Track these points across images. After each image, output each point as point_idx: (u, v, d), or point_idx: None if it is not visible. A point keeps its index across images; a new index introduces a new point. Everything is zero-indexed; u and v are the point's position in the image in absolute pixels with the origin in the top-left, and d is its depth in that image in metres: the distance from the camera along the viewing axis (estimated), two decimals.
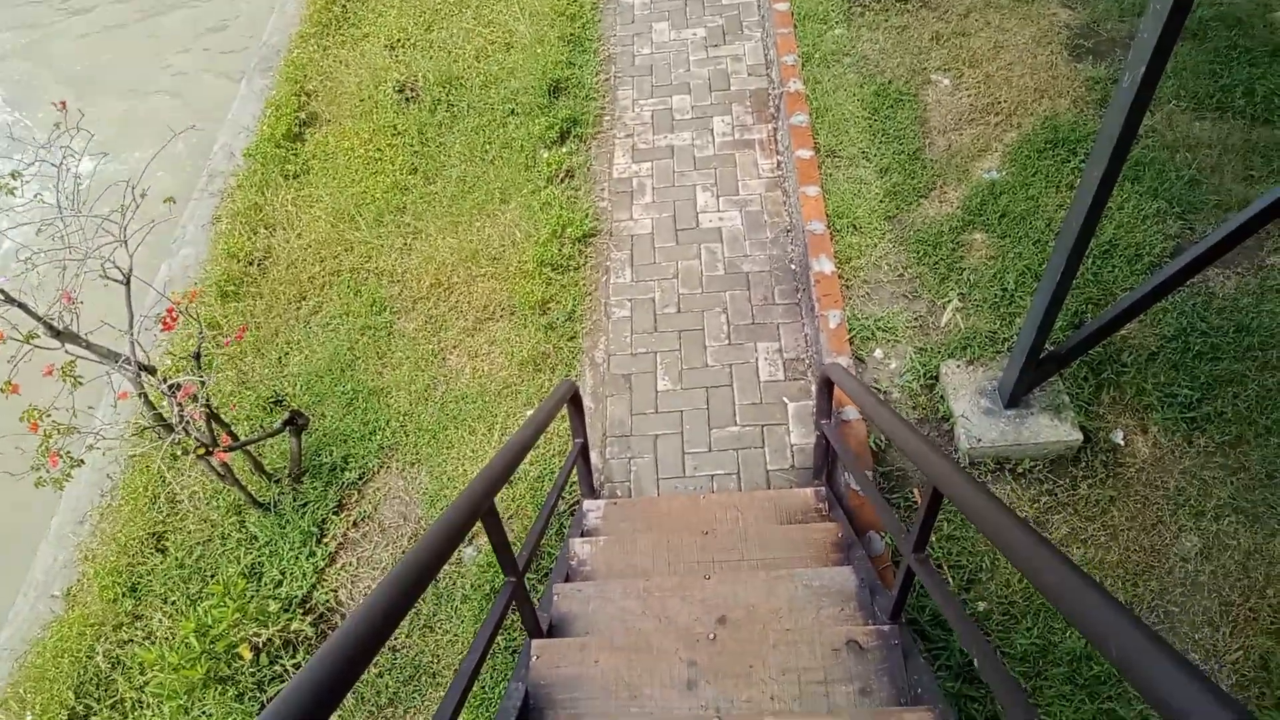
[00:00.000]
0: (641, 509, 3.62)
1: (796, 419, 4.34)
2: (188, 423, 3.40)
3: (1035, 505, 3.75)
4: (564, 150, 5.88)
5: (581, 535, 3.49)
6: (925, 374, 4.15)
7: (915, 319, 4.43)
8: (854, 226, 4.85)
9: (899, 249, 4.75)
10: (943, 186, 5.01)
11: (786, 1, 6.33)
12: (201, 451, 3.60)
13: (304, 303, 5.46)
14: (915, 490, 3.84)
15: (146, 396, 3.61)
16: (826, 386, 3.57)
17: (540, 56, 6.45)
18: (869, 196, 4.99)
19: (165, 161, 7.35)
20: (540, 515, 3.04)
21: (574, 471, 3.91)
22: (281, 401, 4.09)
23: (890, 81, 5.61)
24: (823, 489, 3.64)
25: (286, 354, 5.19)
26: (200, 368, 3.69)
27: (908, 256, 4.69)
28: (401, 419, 4.69)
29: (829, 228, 4.80)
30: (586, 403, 4.58)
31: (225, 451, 3.68)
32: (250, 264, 5.71)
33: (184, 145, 7.43)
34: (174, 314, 3.46)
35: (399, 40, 7.06)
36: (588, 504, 3.68)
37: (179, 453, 3.97)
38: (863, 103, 5.50)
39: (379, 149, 6.18)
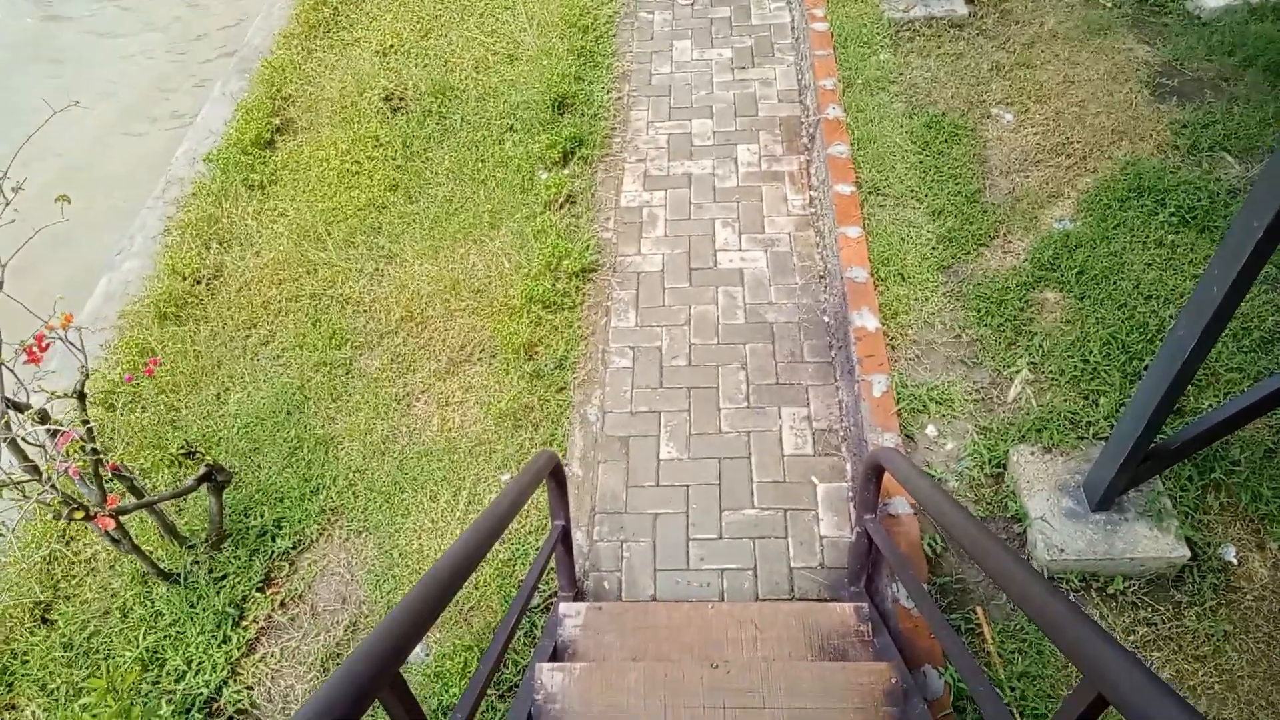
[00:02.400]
0: (632, 619, 2.88)
1: (828, 505, 3.62)
2: (54, 482, 2.68)
3: (1131, 637, 3.00)
4: (566, 172, 5.23)
5: (554, 652, 2.75)
6: (990, 460, 3.43)
7: (976, 390, 3.72)
8: (901, 276, 4.17)
9: (955, 305, 4.05)
10: (1006, 235, 4.34)
11: (825, 22, 5.72)
12: (80, 516, 2.87)
13: (254, 330, 4.75)
14: (979, 609, 3.10)
15: (17, 443, 2.89)
16: (875, 474, 2.86)
17: (546, 69, 5.83)
18: (919, 242, 4.31)
19: (125, 165, 6.73)
20: (502, 627, 2.32)
21: (552, 558, 3.18)
22: (194, 454, 3.38)
23: (944, 113, 4.97)
24: (864, 606, 2.90)
25: (227, 390, 4.47)
26: (85, 409, 2.98)
27: (966, 315, 3.99)
28: (351, 476, 3.97)
29: (872, 276, 4.11)
30: (574, 470, 3.86)
31: (112, 516, 2.95)
32: (197, 283, 5.02)
33: (146, 149, 6.81)
34: (43, 342, 2.75)
35: (391, 46, 6.45)
36: (564, 608, 2.94)
37: (50, 517, 3.24)
38: (912, 135, 4.85)
39: (357, 161, 5.53)
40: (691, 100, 5.77)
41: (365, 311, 4.70)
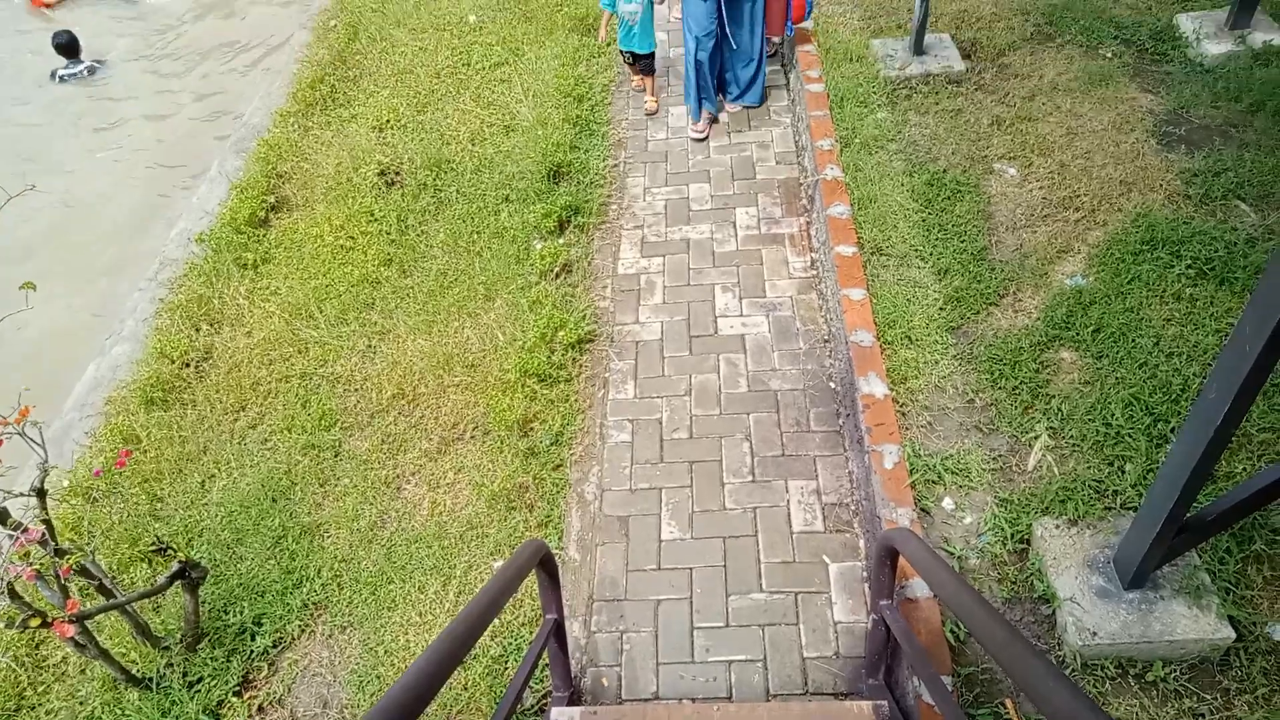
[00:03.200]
0: None
1: (841, 586, 3.39)
2: (2, 588, 2.50)
3: None
4: (562, 241, 5.12)
5: None
6: (1013, 535, 3.21)
7: (994, 459, 3.51)
8: (908, 338, 4.00)
9: (966, 368, 3.87)
10: (1016, 293, 4.17)
11: (820, 83, 5.66)
12: (36, 623, 2.68)
13: (242, 414, 4.61)
14: (1009, 701, 2.84)
15: None
16: (889, 557, 2.64)
17: (541, 139, 5.78)
18: (925, 303, 4.15)
19: (115, 248, 6.68)
20: None
21: (544, 654, 2.96)
22: (165, 550, 3.21)
23: (945, 170, 4.85)
24: (884, 705, 2.66)
25: (212, 477, 4.31)
26: (44, 507, 2.82)
27: (979, 378, 3.81)
28: (336, 567, 3.77)
29: (878, 339, 3.94)
30: (570, 554, 3.65)
31: (73, 621, 2.76)
32: (186, 365, 4.90)
33: (138, 234, 6.78)
34: None
35: (388, 122, 6.44)
36: (556, 714, 2.71)
37: (2, 626, 3.05)
38: (913, 193, 4.73)
39: (351, 237, 5.45)
40: (688, 165, 5.69)
41: (356, 390, 4.55)
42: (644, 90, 6.30)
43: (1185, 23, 5.71)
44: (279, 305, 5.09)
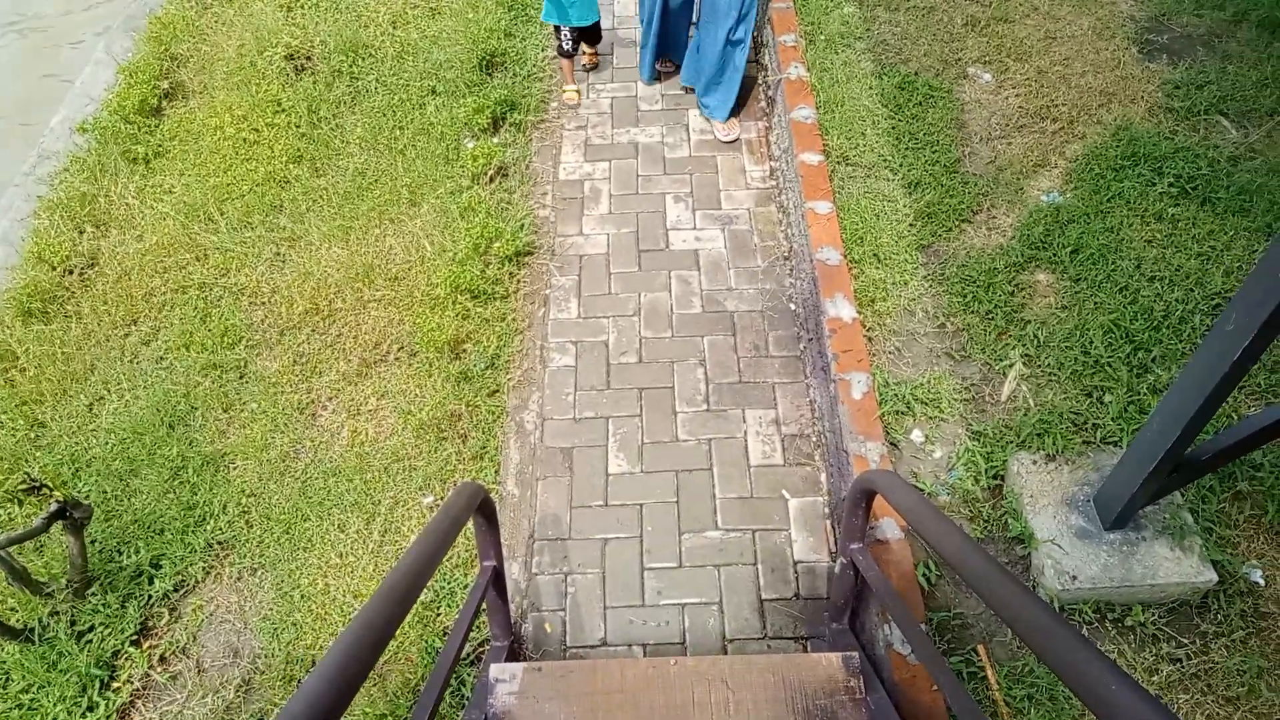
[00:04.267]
0: (579, 682, 2.42)
1: (801, 523, 3.19)
2: None
3: (1154, 678, 2.64)
4: (496, 141, 4.68)
5: None
6: (987, 471, 3.03)
7: (966, 388, 3.31)
8: (876, 257, 3.74)
9: (938, 289, 3.64)
10: (990, 209, 3.94)
11: None
12: None
13: (134, 328, 4.15)
14: (980, 648, 2.70)
15: None
16: (865, 499, 2.43)
17: (472, 23, 5.25)
18: (895, 218, 3.89)
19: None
20: (426, 693, 1.89)
21: (482, 604, 2.69)
22: (39, 488, 2.82)
23: (916, 73, 4.53)
24: (854, 656, 2.48)
25: (101, 399, 3.88)
26: None
27: (950, 300, 3.58)
28: (244, 502, 3.43)
29: (845, 257, 3.67)
30: (508, 489, 3.37)
31: None
32: (69, 273, 4.39)
33: (12, 120, 6.06)
34: None
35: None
36: (496, 670, 2.46)
37: None
38: (883, 97, 4.41)
39: (255, 129, 4.91)
40: (634, 60, 5.25)
41: (263, 304, 4.12)
42: (588, 68, 5.22)
43: None
44: (174, 206, 4.57)
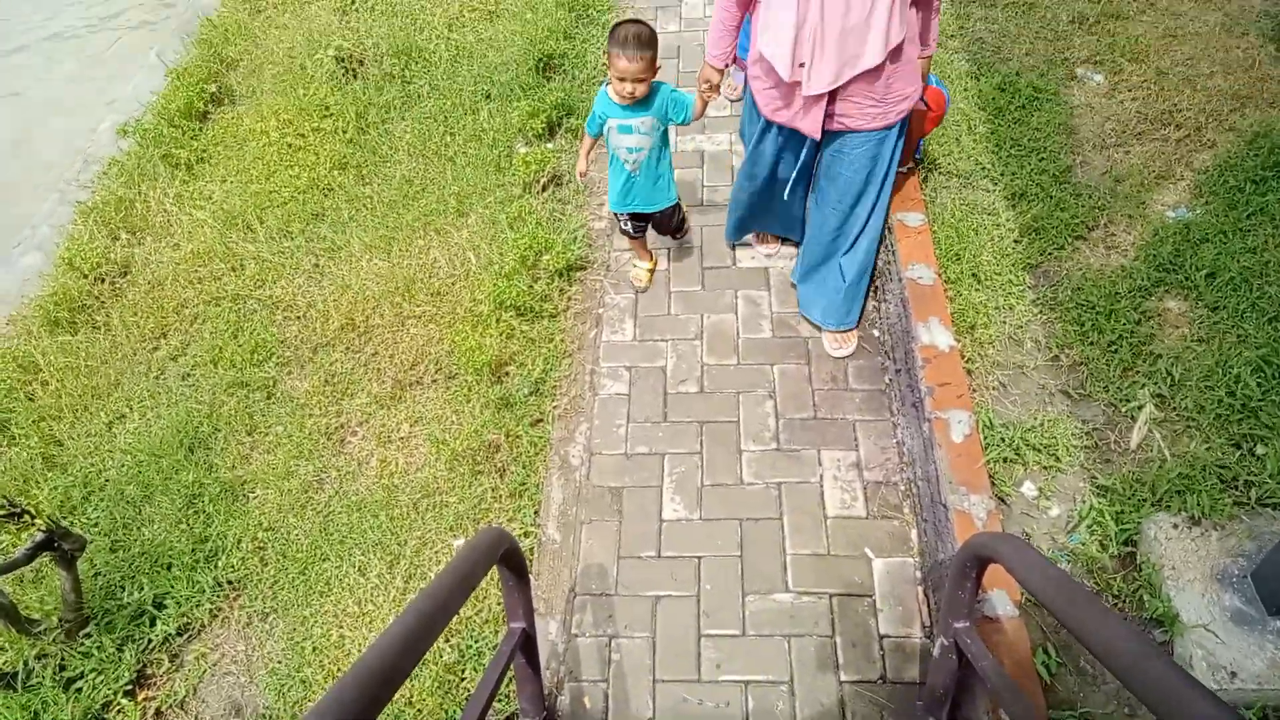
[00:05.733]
0: None
1: (889, 588, 2.71)
2: None
3: None
4: (551, 147, 4.31)
5: None
6: (1119, 534, 2.52)
7: (1087, 433, 2.81)
8: (975, 276, 3.26)
9: (1049, 316, 3.14)
10: (1108, 225, 3.42)
11: None
12: None
13: (163, 341, 3.88)
14: None
15: None
16: (977, 570, 1.95)
17: (530, 24, 4.92)
18: (997, 233, 3.40)
19: (41, 143, 5.82)
20: None
21: (509, 668, 2.28)
22: (20, 514, 2.49)
23: (1018, 74, 4.04)
24: None
25: (122, 417, 3.61)
26: None
27: (1065, 329, 3.08)
28: (261, 537, 3.08)
29: (940, 276, 3.20)
30: (549, 532, 2.96)
31: None
32: (100, 281, 4.15)
33: (65, 123, 5.92)
34: None
35: (353, 2, 5.55)
36: None
37: None
38: (980, 99, 3.93)
39: (301, 134, 4.63)
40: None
41: (299, 318, 3.81)
42: (643, 259, 3.70)
43: None
44: (212, 213, 4.31)
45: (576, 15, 5.09)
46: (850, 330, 3.35)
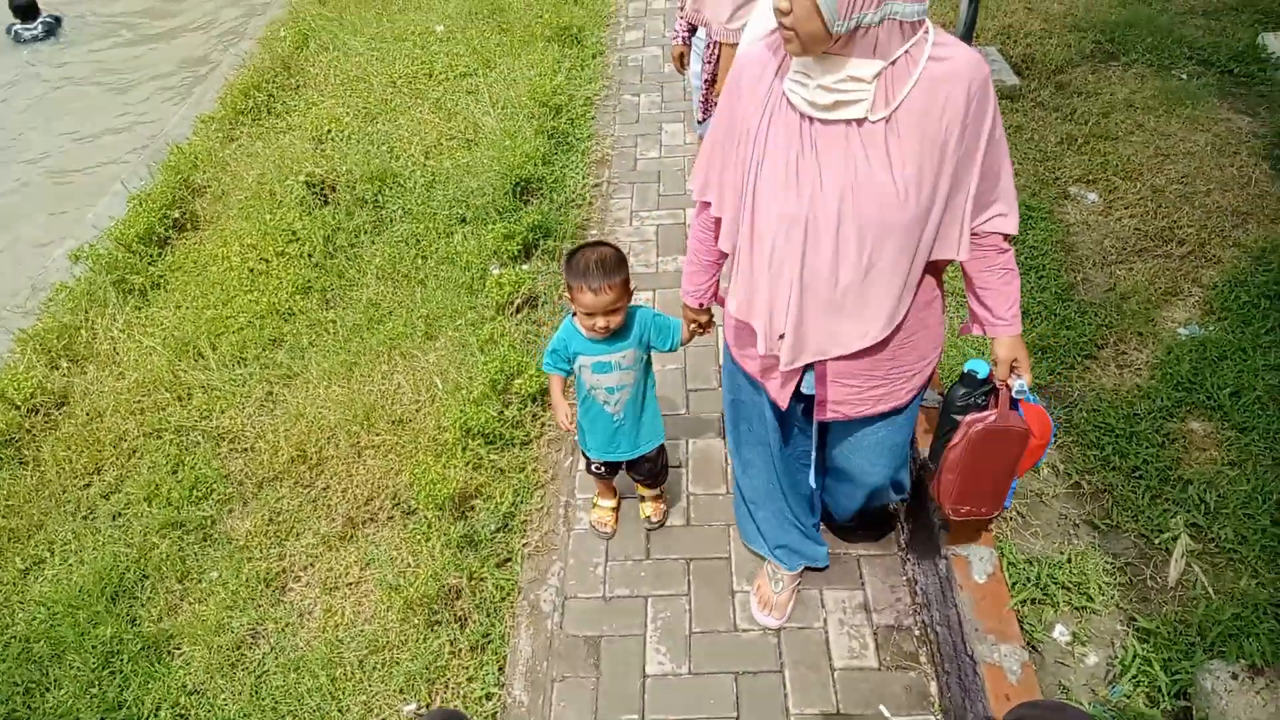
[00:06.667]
0: None
1: None
2: None
3: None
4: (526, 268, 4.18)
5: None
6: (1172, 687, 2.23)
7: (1119, 568, 2.55)
8: None
9: (1065, 440, 2.94)
10: (1117, 344, 3.27)
11: None
12: None
13: (96, 477, 3.60)
14: None
15: None
16: None
17: (509, 150, 4.89)
18: None
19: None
20: None
21: None
22: None
23: None
24: None
25: (41, 563, 3.28)
26: None
27: (1084, 455, 2.87)
28: (183, 703, 2.72)
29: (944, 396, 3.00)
30: (516, 693, 2.62)
31: None
32: (33, 412, 3.89)
33: (27, 249, 5.81)
34: None
35: (329, 132, 5.55)
36: None
37: None
38: None
39: (265, 259, 4.49)
40: (684, 188, 4.81)
41: (245, 450, 3.55)
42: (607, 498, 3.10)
43: (1273, 42, 4.97)
44: (162, 340, 4.11)
45: (556, 142, 5.10)
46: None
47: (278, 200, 4.89)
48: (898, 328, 1.95)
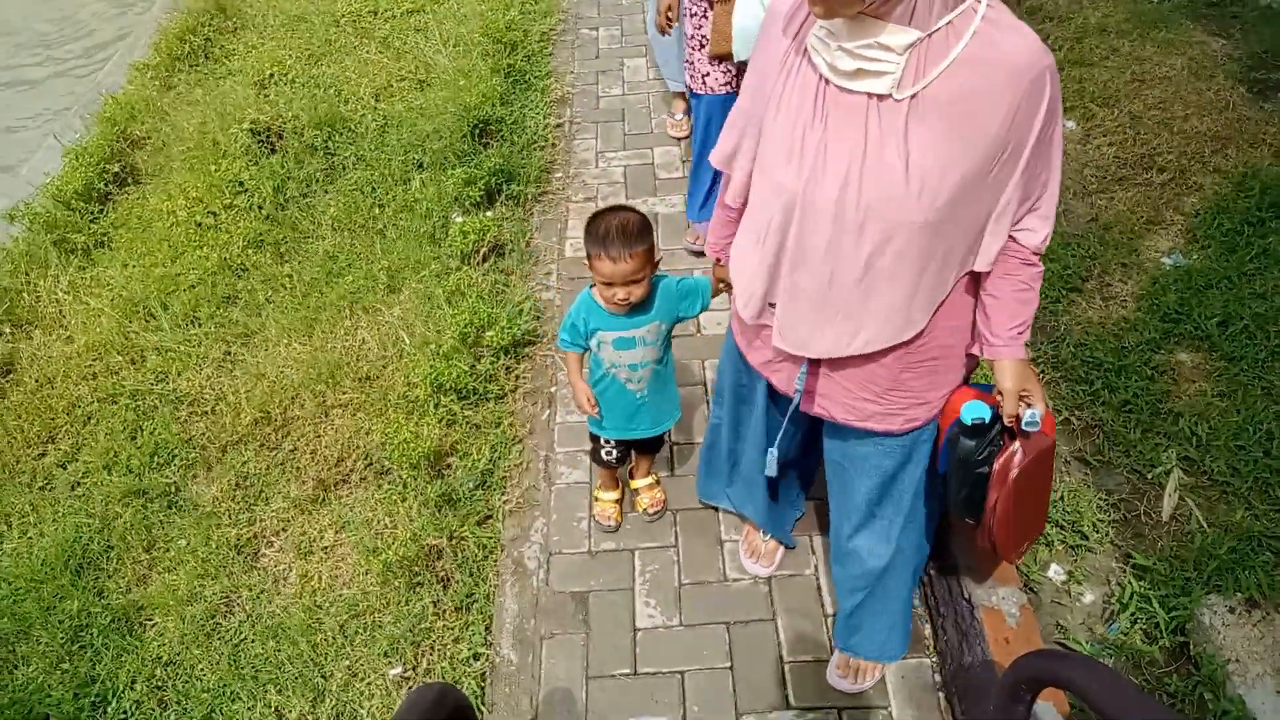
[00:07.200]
0: None
1: (905, 697, 2.38)
2: None
3: None
4: (490, 215, 4.05)
5: None
6: (1169, 622, 2.24)
7: (1113, 504, 2.55)
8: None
9: (1054, 375, 2.92)
10: (1102, 275, 3.25)
11: None
12: None
13: (50, 446, 3.45)
14: None
15: None
16: (1030, 690, 1.63)
17: (464, 90, 4.71)
18: None
19: None
20: None
21: None
22: None
23: None
24: None
25: (1, 535, 3.15)
26: None
27: (1073, 390, 2.85)
28: (158, 675, 2.65)
29: None
30: (505, 652, 2.58)
31: None
32: None
33: None
34: None
35: (271, 76, 5.30)
36: None
37: None
38: None
39: (213, 213, 4.31)
40: (651, 125, 4.69)
41: (206, 413, 3.42)
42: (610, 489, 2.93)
43: None
44: (111, 301, 3.93)
45: (513, 80, 4.92)
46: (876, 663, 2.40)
47: (222, 150, 4.67)
48: (908, 344, 1.72)
